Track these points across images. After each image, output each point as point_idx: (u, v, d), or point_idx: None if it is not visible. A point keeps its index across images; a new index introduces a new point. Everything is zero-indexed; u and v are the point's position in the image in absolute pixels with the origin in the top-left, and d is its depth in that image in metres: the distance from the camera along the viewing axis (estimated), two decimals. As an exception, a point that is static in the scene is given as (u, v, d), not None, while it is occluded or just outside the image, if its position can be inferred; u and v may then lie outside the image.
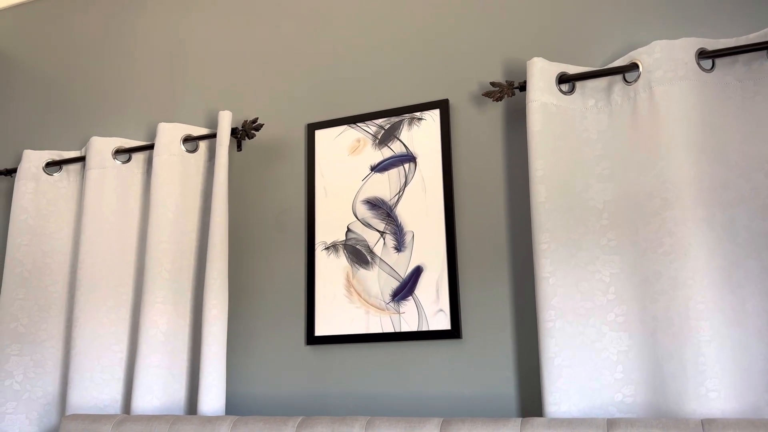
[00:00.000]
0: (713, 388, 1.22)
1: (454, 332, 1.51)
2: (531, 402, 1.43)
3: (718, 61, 1.38)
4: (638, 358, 1.32)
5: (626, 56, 1.43)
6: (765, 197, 1.30)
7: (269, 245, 1.76)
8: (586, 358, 1.34)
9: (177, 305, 1.70)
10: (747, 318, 1.28)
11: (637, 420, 1.18)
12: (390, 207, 1.64)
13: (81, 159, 1.93)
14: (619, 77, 1.44)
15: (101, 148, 1.87)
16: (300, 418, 1.42)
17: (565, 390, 1.31)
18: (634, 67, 1.40)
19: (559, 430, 1.20)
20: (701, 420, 1.15)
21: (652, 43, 1.39)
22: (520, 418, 1.26)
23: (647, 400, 1.30)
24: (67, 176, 1.97)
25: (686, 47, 1.36)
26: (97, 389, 1.71)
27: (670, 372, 1.27)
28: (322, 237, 1.69)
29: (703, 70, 1.37)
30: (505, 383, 1.46)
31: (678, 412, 1.25)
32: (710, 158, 1.34)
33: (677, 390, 1.26)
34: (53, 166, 1.96)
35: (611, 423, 1.19)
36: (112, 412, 1.72)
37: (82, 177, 1.96)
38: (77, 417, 1.59)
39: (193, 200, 1.78)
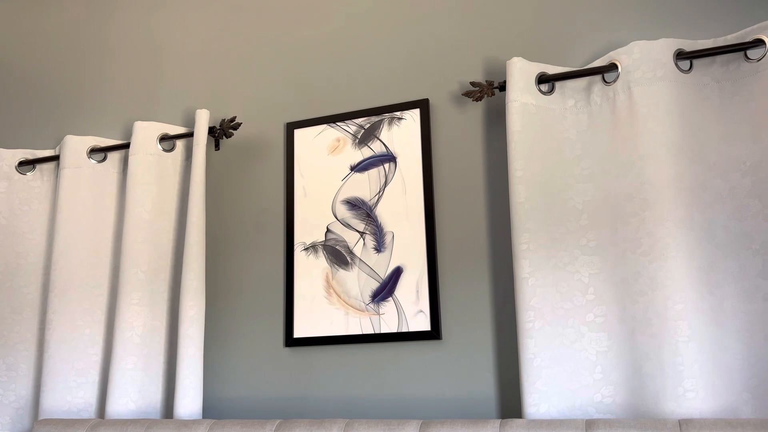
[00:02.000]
0: (691, 388, 1.23)
1: (434, 333, 1.50)
2: (511, 403, 1.43)
3: (696, 61, 1.38)
4: (617, 358, 1.32)
5: (605, 56, 1.43)
6: (742, 197, 1.31)
7: (247, 246, 1.74)
8: (565, 359, 1.33)
9: (153, 307, 1.67)
10: (725, 318, 1.28)
11: (616, 421, 1.18)
12: (370, 207, 1.63)
13: (55, 158, 1.89)
14: (598, 77, 1.44)
15: (76, 147, 1.84)
16: (278, 421, 1.40)
17: (545, 391, 1.31)
18: (613, 67, 1.40)
19: (538, 432, 1.20)
20: (679, 420, 1.15)
21: (631, 43, 1.39)
22: (500, 420, 1.26)
23: (626, 401, 1.30)
24: (40, 175, 1.93)
25: (664, 48, 1.37)
26: (71, 393, 1.68)
27: (648, 372, 1.27)
28: (301, 237, 1.67)
29: (681, 70, 1.37)
30: (484, 384, 1.45)
31: (656, 413, 1.25)
32: (688, 159, 1.34)
33: (655, 390, 1.26)
34: (26, 165, 1.92)
35: (590, 424, 1.19)
36: (86, 416, 1.69)
37: (57, 176, 1.93)
38: (50, 422, 1.56)
39: (169, 200, 1.75)
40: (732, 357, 1.26)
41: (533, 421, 1.23)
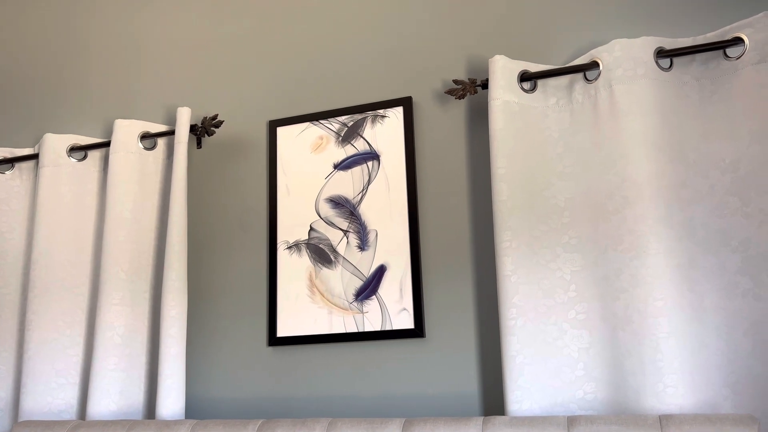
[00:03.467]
0: (671, 384, 1.24)
1: (417, 331, 1.50)
2: (494, 400, 1.43)
3: (676, 60, 1.39)
4: (599, 355, 1.33)
5: (587, 54, 1.44)
6: (722, 195, 1.32)
7: (230, 245, 1.73)
8: (547, 356, 1.34)
9: (135, 306, 1.65)
10: (705, 314, 1.29)
11: (597, 417, 1.18)
12: (353, 205, 1.62)
13: (34, 156, 1.87)
14: (580, 75, 1.45)
15: (55, 145, 1.81)
16: (260, 421, 1.39)
17: (527, 388, 1.31)
18: (594, 65, 1.41)
19: (521, 429, 1.20)
20: (659, 416, 1.16)
21: (612, 41, 1.40)
22: (482, 417, 1.26)
23: (608, 397, 1.31)
24: (19, 174, 1.91)
25: (645, 46, 1.37)
26: (51, 394, 1.66)
27: (629, 369, 1.28)
28: (284, 236, 1.66)
29: (662, 68, 1.38)
30: (468, 382, 1.46)
31: (637, 409, 1.26)
32: (669, 156, 1.35)
33: (636, 386, 1.27)
34: (5, 163, 1.89)
35: (571, 421, 1.19)
36: (67, 417, 1.67)
37: (36, 175, 1.90)
38: (30, 423, 1.54)
39: (151, 199, 1.74)
40: (712, 353, 1.28)
41: (516, 418, 1.23)
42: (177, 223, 1.61)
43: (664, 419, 1.15)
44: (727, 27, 1.35)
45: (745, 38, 1.32)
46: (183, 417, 1.55)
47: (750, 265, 1.27)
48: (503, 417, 1.24)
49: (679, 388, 1.23)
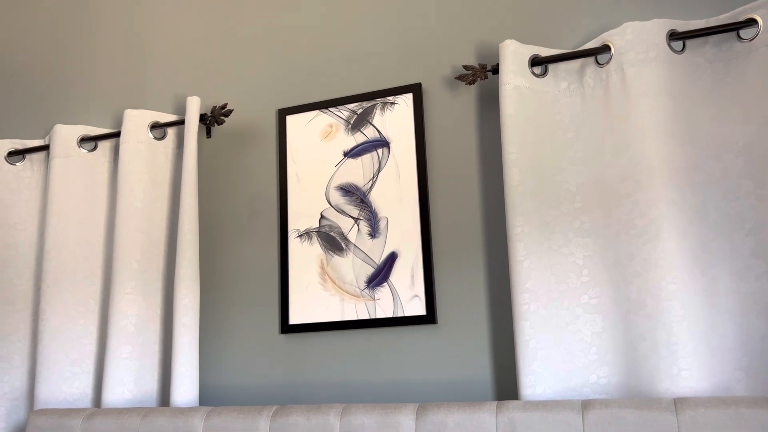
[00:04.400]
0: (685, 368, 1.23)
1: (429, 318, 1.50)
2: (507, 385, 1.44)
3: (688, 42, 1.38)
4: (612, 339, 1.33)
5: (598, 38, 1.42)
6: (735, 178, 1.31)
7: (241, 233, 1.73)
8: (560, 341, 1.34)
9: (147, 296, 1.66)
10: (718, 298, 1.29)
11: (612, 401, 1.19)
12: (364, 193, 1.62)
13: (45, 148, 1.87)
14: (591, 59, 1.44)
15: (66, 136, 1.82)
16: (275, 408, 1.40)
17: (540, 372, 1.31)
18: (605, 48, 1.40)
19: (535, 413, 1.21)
20: (674, 399, 1.16)
21: (624, 24, 1.39)
22: (496, 402, 1.26)
23: (621, 381, 1.31)
24: (30, 165, 1.91)
25: (657, 29, 1.36)
26: (66, 383, 1.67)
27: (643, 352, 1.28)
28: (295, 224, 1.67)
29: (674, 51, 1.37)
30: (480, 367, 1.46)
31: (651, 392, 1.26)
32: (681, 140, 1.34)
33: (650, 370, 1.27)
34: (16, 155, 1.90)
35: (586, 404, 1.20)
36: (82, 406, 1.68)
37: (47, 166, 1.91)
38: (46, 412, 1.55)
39: (161, 188, 1.74)
40: (725, 336, 1.27)
41: (530, 402, 1.24)
42: (188, 213, 1.62)
43: (678, 402, 1.15)
44: (741, 8, 1.33)
45: (759, 19, 1.30)
46: (197, 404, 1.56)
47: (764, 248, 1.26)
48: (517, 401, 1.25)
49: (693, 371, 1.23)
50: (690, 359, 1.24)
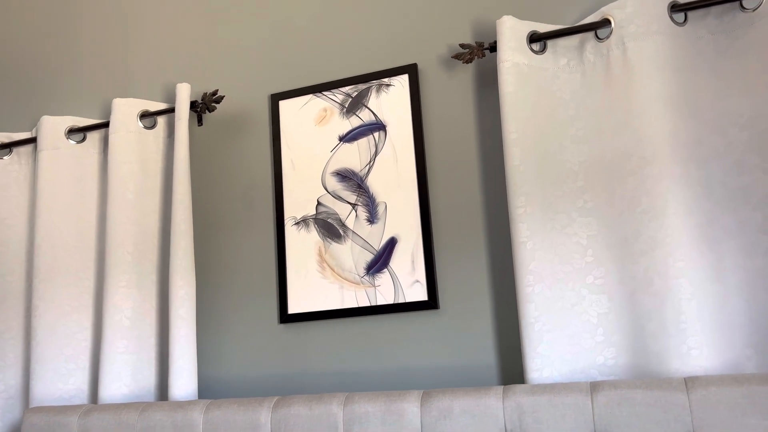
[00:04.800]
0: (695, 346, 1.21)
1: (431, 303, 1.47)
2: (512, 369, 1.41)
3: (690, 13, 1.35)
4: (618, 319, 1.30)
5: (597, 12, 1.39)
6: (740, 152, 1.28)
7: (236, 222, 1.69)
8: (566, 322, 1.31)
9: (142, 288, 1.63)
10: (725, 274, 1.26)
11: (621, 382, 1.16)
12: (361, 178, 1.59)
13: (32, 140, 1.83)
14: (591, 34, 1.40)
15: (53, 127, 1.77)
16: (275, 398, 1.37)
17: (547, 355, 1.29)
18: (605, 23, 1.36)
19: (543, 397, 1.18)
20: (684, 378, 1.14)
21: (624, -3, 1.35)
22: (502, 386, 1.24)
23: (629, 362, 1.28)
24: (17, 159, 1.87)
25: (658, 0, 1.33)
26: (61, 380, 1.64)
27: (651, 332, 1.26)
28: (291, 212, 1.63)
29: (676, 23, 1.34)
30: (485, 352, 1.43)
31: (659, 372, 1.24)
32: (685, 114, 1.31)
33: (659, 349, 1.24)
34: (2, 149, 1.85)
35: (594, 386, 1.17)
36: (78, 402, 1.65)
37: (35, 159, 1.86)
38: (41, 409, 1.52)
39: (153, 179, 1.70)
40: (734, 313, 1.25)
41: (537, 386, 1.21)
42: (181, 202, 1.58)
43: (689, 381, 1.12)
44: (744, -23, 1.30)
45: (763, -12, 1.27)
46: (196, 397, 1.53)
47: (772, 222, 1.24)
48: (524, 385, 1.22)
49: (703, 349, 1.21)
50: (699, 337, 1.21)
